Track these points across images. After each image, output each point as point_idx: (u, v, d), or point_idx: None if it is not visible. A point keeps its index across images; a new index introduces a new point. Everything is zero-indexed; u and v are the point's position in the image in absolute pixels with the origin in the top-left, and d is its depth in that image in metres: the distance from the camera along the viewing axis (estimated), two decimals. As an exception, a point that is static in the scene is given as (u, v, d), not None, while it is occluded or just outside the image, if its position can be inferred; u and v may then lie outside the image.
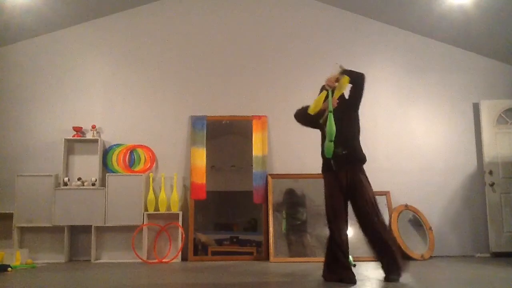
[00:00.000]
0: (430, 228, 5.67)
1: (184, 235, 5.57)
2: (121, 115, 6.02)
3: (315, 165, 5.87)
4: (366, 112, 6.08)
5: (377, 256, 3.71)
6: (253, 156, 5.80)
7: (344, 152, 3.80)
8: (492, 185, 5.85)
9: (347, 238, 3.77)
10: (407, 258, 5.38)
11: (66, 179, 5.70)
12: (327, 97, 3.80)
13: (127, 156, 5.87)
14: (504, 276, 4.17)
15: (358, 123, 3.95)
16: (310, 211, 5.66)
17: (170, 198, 5.69)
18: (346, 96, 4.01)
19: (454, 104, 6.13)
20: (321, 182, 5.86)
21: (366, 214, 3.67)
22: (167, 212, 5.68)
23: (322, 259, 5.27)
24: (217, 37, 6.22)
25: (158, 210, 5.67)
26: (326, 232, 5.53)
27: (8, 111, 5.97)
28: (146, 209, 5.67)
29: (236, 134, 6.11)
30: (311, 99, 6.04)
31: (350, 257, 5.13)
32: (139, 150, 5.90)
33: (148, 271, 4.67)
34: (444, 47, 6.22)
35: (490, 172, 5.88)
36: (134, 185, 5.67)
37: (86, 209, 5.56)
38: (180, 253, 5.55)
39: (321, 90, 3.98)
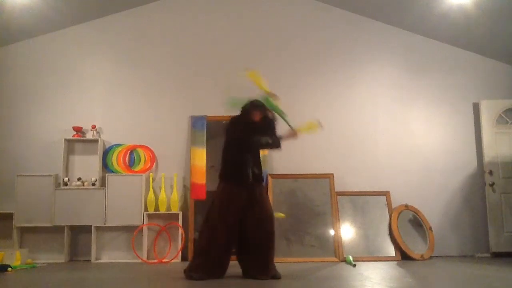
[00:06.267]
0: (430, 228, 5.66)
1: (184, 235, 5.57)
2: (121, 115, 6.02)
3: (315, 165, 5.93)
4: (367, 112, 6.14)
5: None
6: (253, 156, 5.79)
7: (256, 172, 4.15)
8: (492, 185, 5.85)
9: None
10: (407, 258, 5.39)
11: (66, 179, 5.70)
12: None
13: (127, 156, 5.87)
14: (504, 276, 4.17)
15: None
16: (310, 211, 5.65)
17: (170, 198, 5.69)
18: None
19: (454, 104, 6.12)
20: (321, 181, 5.92)
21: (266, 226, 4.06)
22: (167, 212, 5.67)
23: (322, 259, 5.33)
24: (217, 37, 6.21)
25: (158, 210, 5.67)
26: (326, 232, 5.57)
27: (8, 111, 5.97)
28: (146, 209, 5.67)
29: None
30: (311, 99, 6.10)
31: (350, 257, 5.17)
32: (139, 150, 5.90)
33: (148, 271, 4.67)
34: (444, 47, 6.22)
35: (490, 172, 5.88)
36: (134, 185, 5.67)
37: (86, 209, 5.56)
38: (180, 253, 5.55)
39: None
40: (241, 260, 4.09)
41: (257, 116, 4.18)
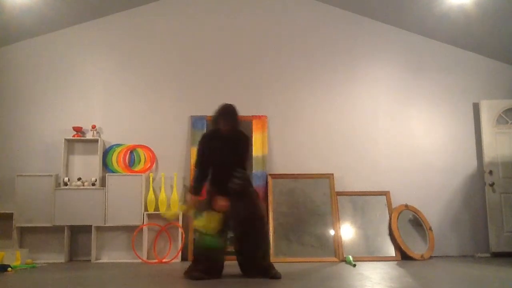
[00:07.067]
0: (430, 228, 5.66)
1: (184, 235, 5.57)
2: (121, 115, 6.02)
3: (315, 165, 5.93)
4: (367, 112, 6.14)
5: None
6: (253, 156, 5.79)
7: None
8: (492, 185, 5.85)
9: None
10: (407, 258, 5.39)
11: (66, 179, 5.70)
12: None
13: (127, 156, 5.87)
14: (504, 276, 4.17)
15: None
16: (310, 211, 5.65)
17: (170, 198, 5.69)
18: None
19: (454, 104, 6.13)
20: (321, 181, 5.92)
21: None
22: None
23: (322, 259, 5.33)
24: (217, 37, 6.21)
25: (158, 210, 5.67)
26: (326, 232, 5.57)
27: (8, 111, 5.97)
28: (146, 209, 5.67)
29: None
30: (311, 99, 6.10)
31: (350, 257, 5.17)
32: (139, 150, 5.90)
33: (148, 271, 4.67)
34: (444, 47, 6.22)
35: (490, 172, 5.88)
36: (134, 185, 5.67)
37: (86, 209, 5.56)
38: (180, 253, 5.55)
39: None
40: (239, 260, 4.09)
41: (224, 127, 3.97)
